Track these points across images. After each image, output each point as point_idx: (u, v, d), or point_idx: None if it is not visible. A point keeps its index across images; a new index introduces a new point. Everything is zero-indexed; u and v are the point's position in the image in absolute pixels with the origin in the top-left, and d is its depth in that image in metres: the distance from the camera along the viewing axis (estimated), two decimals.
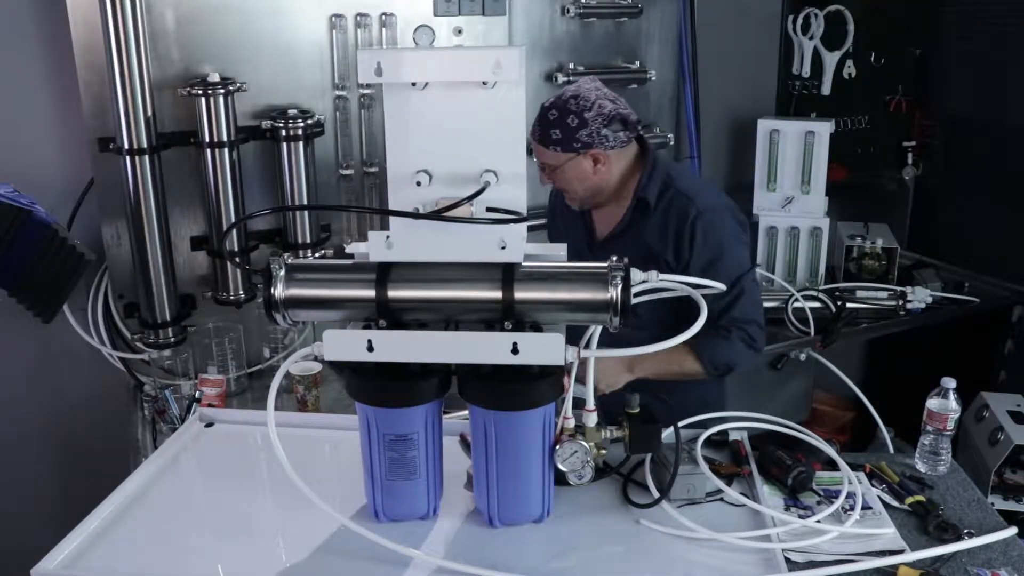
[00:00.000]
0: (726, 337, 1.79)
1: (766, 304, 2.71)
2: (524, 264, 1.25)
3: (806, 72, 3.14)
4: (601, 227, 1.93)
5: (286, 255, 1.29)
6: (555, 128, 1.75)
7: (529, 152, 1.84)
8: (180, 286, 2.19)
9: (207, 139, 2.07)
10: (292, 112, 2.18)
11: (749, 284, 1.82)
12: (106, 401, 2.34)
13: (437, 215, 1.22)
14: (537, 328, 1.26)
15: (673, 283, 1.33)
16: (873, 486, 1.52)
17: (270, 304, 1.26)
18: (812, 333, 2.64)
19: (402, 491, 1.34)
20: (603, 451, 1.37)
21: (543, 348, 1.22)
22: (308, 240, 2.26)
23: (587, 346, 1.32)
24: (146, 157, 2.01)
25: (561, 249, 1.34)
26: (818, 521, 1.36)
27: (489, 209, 1.24)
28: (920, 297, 2.81)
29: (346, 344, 1.25)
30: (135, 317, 2.19)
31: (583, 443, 1.34)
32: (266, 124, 2.17)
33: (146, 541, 1.33)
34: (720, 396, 1.96)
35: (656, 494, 1.40)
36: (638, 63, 2.69)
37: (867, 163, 3.35)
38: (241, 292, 2.23)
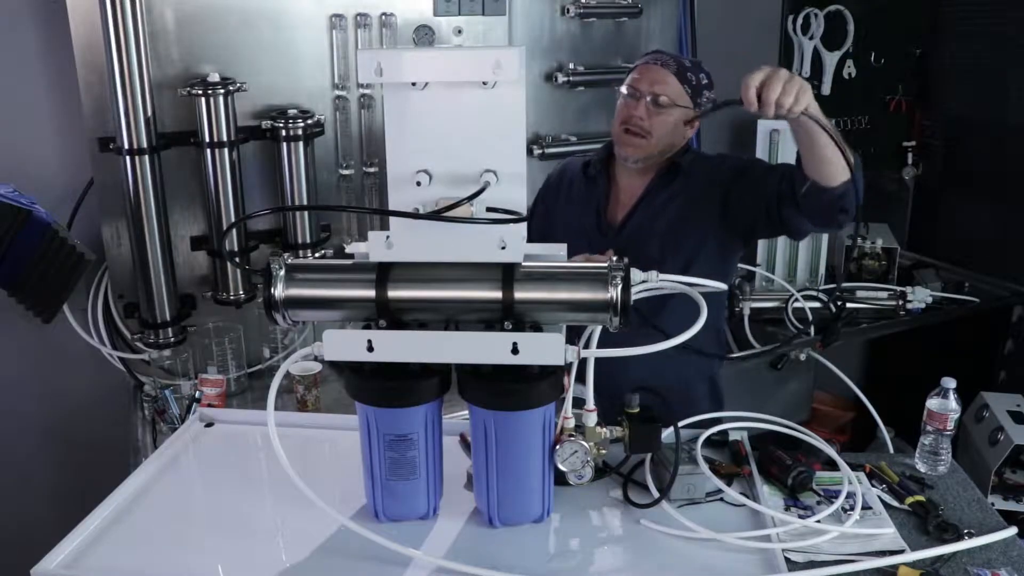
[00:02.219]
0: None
1: (766, 304, 2.74)
2: (524, 264, 1.25)
3: (806, 72, 3.14)
4: (620, 204, 1.90)
5: (286, 255, 1.29)
6: (692, 73, 1.80)
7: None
8: (180, 286, 2.19)
9: (207, 139, 2.07)
10: (292, 112, 2.18)
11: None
12: (106, 401, 2.34)
13: (437, 215, 1.22)
14: (537, 328, 1.26)
15: (673, 283, 1.33)
16: (873, 486, 1.52)
17: (270, 304, 1.26)
18: (812, 333, 2.64)
19: (402, 491, 1.34)
20: (603, 451, 1.37)
21: (543, 348, 1.22)
22: (308, 240, 2.26)
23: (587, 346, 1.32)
24: (146, 157, 2.01)
25: (561, 249, 1.34)
26: (818, 521, 1.36)
27: (489, 209, 1.24)
28: (920, 297, 2.81)
29: (346, 344, 1.25)
30: (135, 317, 2.19)
31: (583, 443, 1.34)
32: (266, 124, 2.17)
33: (146, 541, 1.33)
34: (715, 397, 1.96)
35: (656, 494, 1.40)
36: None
37: (867, 163, 3.33)
38: (241, 292, 2.23)
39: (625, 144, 1.82)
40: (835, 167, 1.56)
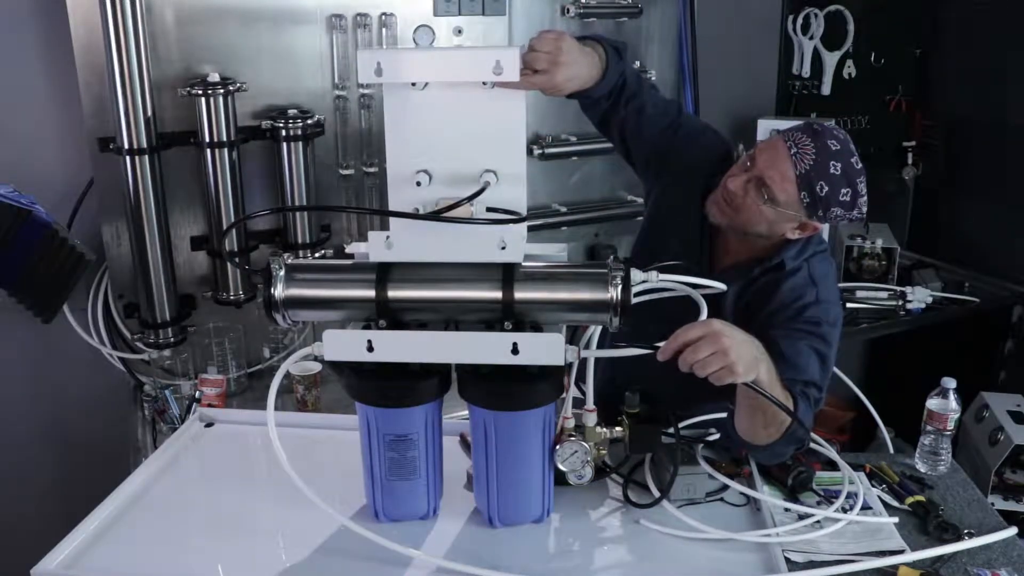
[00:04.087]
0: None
1: None
2: (524, 264, 1.25)
3: (806, 72, 3.14)
4: (719, 252, 1.69)
5: (286, 255, 1.29)
6: (828, 184, 1.49)
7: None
8: (180, 286, 2.19)
9: (207, 139, 2.07)
10: (292, 112, 2.18)
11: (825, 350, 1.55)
12: (106, 401, 2.34)
13: (437, 215, 1.22)
14: (537, 328, 1.26)
15: (673, 283, 1.33)
16: (873, 486, 1.53)
17: (270, 304, 1.26)
18: None
19: (402, 491, 1.34)
20: (603, 451, 1.37)
21: (543, 348, 1.22)
22: (308, 240, 2.26)
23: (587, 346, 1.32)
24: (146, 157, 2.01)
25: (562, 249, 1.34)
26: (818, 521, 1.36)
27: (489, 209, 1.24)
28: (920, 297, 2.81)
29: (346, 344, 1.25)
30: (135, 317, 2.19)
31: (583, 443, 1.34)
32: (266, 124, 2.17)
33: (146, 541, 1.33)
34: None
35: (656, 494, 1.40)
36: (638, 63, 2.69)
37: (867, 163, 3.33)
38: (241, 292, 2.23)
39: (713, 201, 1.60)
40: (757, 433, 1.41)
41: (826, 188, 1.50)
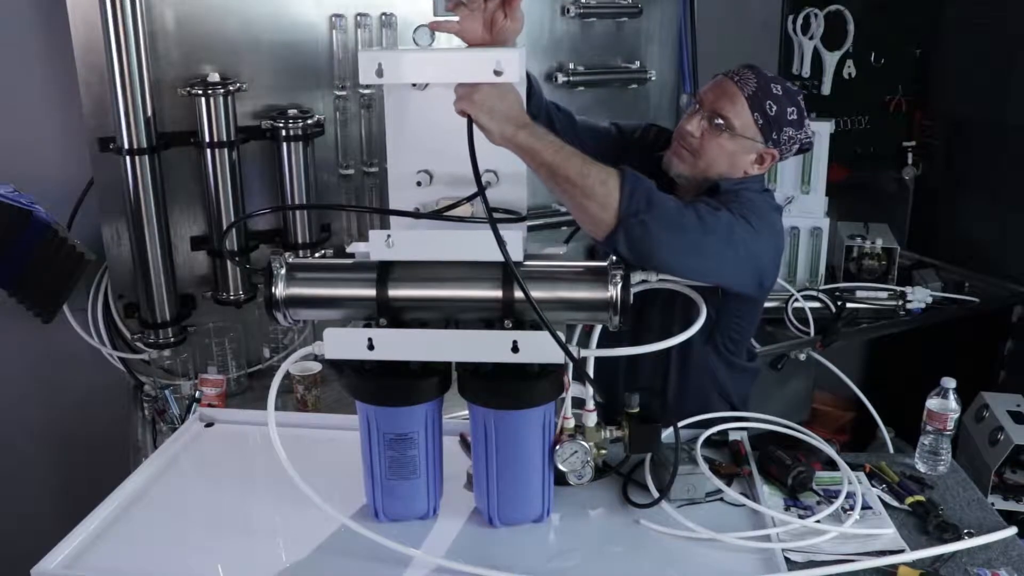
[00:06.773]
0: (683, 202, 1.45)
1: (766, 304, 2.71)
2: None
3: (806, 72, 3.14)
4: None
5: (287, 254, 1.29)
6: (774, 103, 1.56)
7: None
8: (180, 286, 2.19)
9: (207, 139, 2.07)
10: (292, 112, 2.18)
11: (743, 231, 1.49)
12: (106, 401, 2.34)
13: (437, 215, 1.22)
14: (537, 327, 1.26)
15: (673, 283, 1.33)
16: (873, 486, 1.53)
17: (271, 303, 1.26)
18: (812, 333, 2.64)
19: (402, 491, 1.34)
20: (603, 451, 1.37)
21: (543, 347, 1.22)
22: (308, 240, 2.26)
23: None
24: (146, 157, 2.01)
25: (561, 249, 1.34)
26: (818, 521, 1.36)
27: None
28: (920, 297, 2.81)
29: (347, 343, 1.25)
30: (135, 317, 2.19)
31: (583, 443, 1.34)
32: (266, 124, 2.17)
33: (146, 541, 1.33)
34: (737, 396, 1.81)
35: (656, 494, 1.40)
36: (638, 63, 2.69)
37: (867, 163, 3.35)
38: (241, 292, 2.23)
39: (673, 152, 1.63)
40: (584, 208, 1.35)
41: (775, 107, 1.57)
